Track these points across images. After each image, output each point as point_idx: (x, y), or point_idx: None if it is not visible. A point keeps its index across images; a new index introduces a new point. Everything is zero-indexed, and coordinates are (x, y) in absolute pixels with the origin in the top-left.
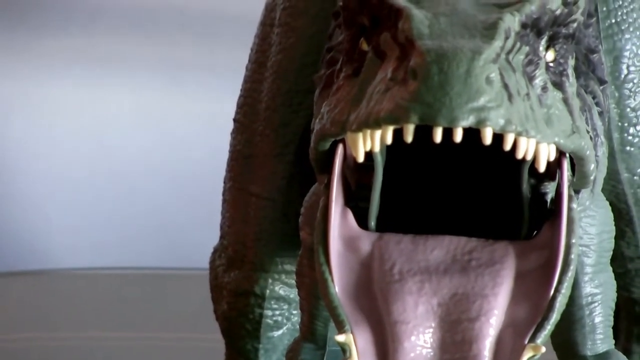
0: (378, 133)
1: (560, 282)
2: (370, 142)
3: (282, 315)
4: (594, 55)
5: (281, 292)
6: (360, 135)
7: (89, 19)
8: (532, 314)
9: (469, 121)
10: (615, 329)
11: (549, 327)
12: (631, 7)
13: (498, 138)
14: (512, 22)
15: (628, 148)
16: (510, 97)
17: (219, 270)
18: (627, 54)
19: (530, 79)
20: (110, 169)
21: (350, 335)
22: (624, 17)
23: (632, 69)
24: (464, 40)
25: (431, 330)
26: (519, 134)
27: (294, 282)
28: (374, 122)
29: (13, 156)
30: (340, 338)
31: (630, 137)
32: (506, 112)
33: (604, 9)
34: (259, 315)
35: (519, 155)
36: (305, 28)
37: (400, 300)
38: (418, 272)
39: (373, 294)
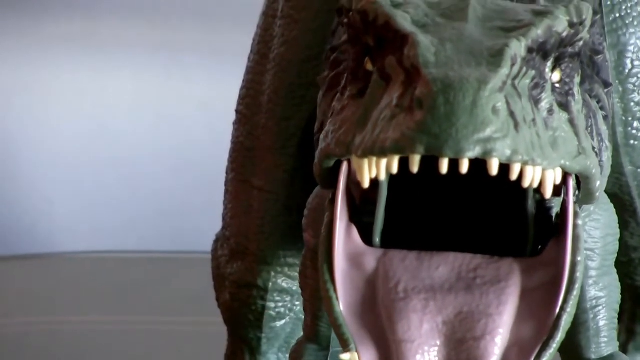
0: (384, 162)
1: (565, 301)
2: (375, 170)
3: (284, 307)
4: (599, 57)
5: (284, 284)
6: (366, 162)
7: (90, 4)
8: (537, 333)
9: (475, 152)
10: (620, 309)
11: (555, 346)
12: (635, 1)
13: (504, 166)
14: (518, 48)
15: (632, 142)
16: (516, 125)
17: (222, 260)
18: (631, 48)
19: (536, 102)
20: (112, 152)
21: (356, 354)
22: (628, 12)
23: (636, 63)
24: (470, 69)
25: (436, 348)
26: (525, 164)
27: (296, 274)
28: (380, 151)
29: (14, 141)
30: (345, 357)
31: (634, 131)
32: (512, 142)
33: (609, 3)
34: (262, 307)
35: (525, 184)
36: (309, 21)
37: (405, 319)
38: (423, 289)
39: (378, 312)
